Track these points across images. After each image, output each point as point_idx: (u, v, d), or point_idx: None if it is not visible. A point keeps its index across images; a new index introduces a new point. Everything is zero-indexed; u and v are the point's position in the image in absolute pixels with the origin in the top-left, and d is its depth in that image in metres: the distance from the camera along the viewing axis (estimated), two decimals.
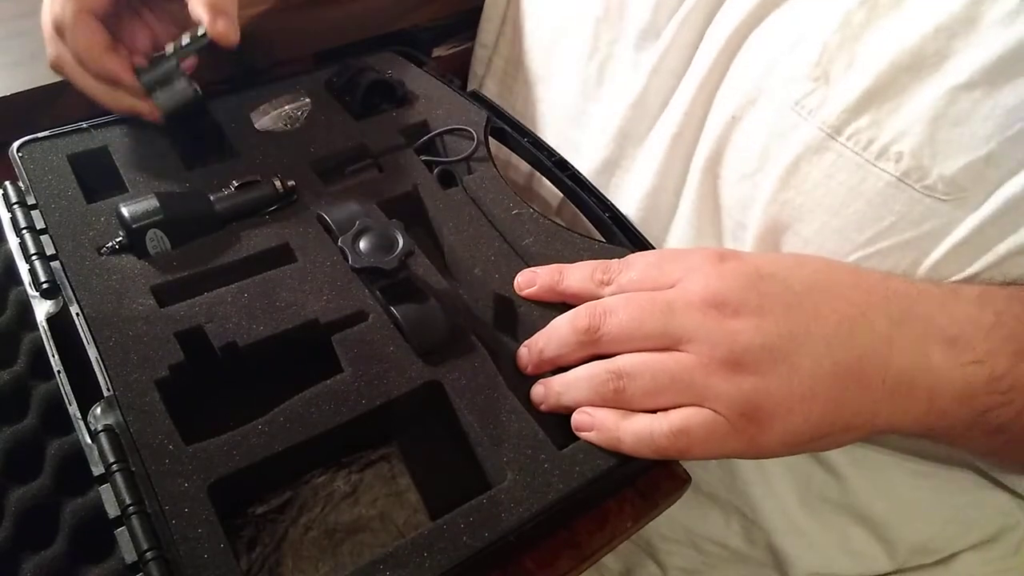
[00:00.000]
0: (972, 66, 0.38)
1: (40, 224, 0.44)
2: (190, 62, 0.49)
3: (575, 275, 0.42)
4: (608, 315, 0.38)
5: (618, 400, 0.36)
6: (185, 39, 0.47)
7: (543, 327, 0.42)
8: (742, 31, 0.46)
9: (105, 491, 0.33)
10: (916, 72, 0.39)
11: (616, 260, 0.41)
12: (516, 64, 0.64)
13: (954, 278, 0.40)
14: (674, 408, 0.35)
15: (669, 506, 0.41)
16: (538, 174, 0.55)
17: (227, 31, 0.45)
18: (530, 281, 0.43)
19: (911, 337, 0.35)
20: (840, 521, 0.51)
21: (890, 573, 0.52)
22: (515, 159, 0.58)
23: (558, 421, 0.41)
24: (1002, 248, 0.38)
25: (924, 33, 0.39)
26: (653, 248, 0.47)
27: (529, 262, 0.45)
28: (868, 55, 0.40)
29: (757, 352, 0.34)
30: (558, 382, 0.39)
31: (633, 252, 0.46)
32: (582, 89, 0.57)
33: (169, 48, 0.47)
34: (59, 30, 0.45)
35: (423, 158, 0.52)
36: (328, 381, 0.38)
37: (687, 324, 0.35)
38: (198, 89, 0.48)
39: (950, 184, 0.38)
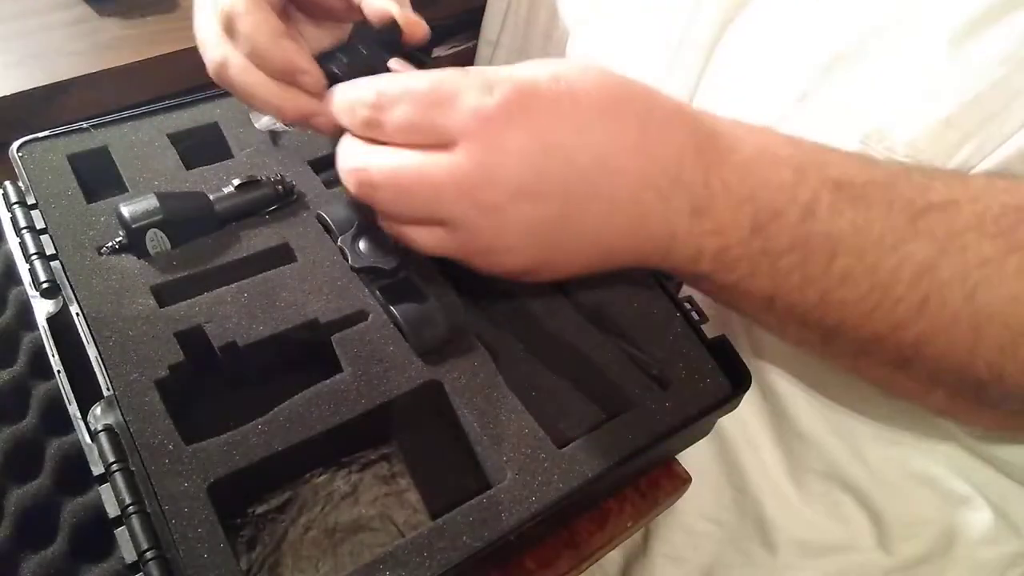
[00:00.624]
0: (935, 29, 0.38)
1: (40, 224, 0.44)
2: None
3: (343, 97, 0.36)
4: (374, 191, 0.34)
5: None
6: (372, 29, 0.40)
7: (544, 326, 0.42)
8: (724, 23, 0.47)
9: (105, 491, 0.33)
10: (881, 36, 0.40)
11: (382, 92, 0.34)
12: (520, 55, 0.64)
13: (910, 246, 0.38)
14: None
15: (669, 505, 0.41)
16: None
17: (419, 22, 0.41)
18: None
19: (666, 211, 0.35)
20: (825, 489, 0.51)
21: (890, 571, 0.52)
22: None
23: (558, 420, 0.41)
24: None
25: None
26: None
27: None
28: (835, 21, 0.41)
29: (517, 240, 0.34)
30: None
31: None
32: None
33: (351, 40, 0.41)
34: (229, 23, 0.38)
35: None
36: (328, 381, 0.38)
37: (454, 211, 0.33)
38: None
39: (910, 146, 0.39)
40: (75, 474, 0.36)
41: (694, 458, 0.51)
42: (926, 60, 0.39)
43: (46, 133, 0.49)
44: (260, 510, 0.37)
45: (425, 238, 0.35)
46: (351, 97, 0.35)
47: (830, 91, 0.42)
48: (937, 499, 0.50)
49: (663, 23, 0.51)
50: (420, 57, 0.62)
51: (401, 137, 0.34)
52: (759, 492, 0.52)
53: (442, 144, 0.33)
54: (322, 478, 0.38)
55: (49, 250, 0.42)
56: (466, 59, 0.71)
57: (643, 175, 0.34)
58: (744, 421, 0.51)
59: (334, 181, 0.50)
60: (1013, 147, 0.38)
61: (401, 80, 0.34)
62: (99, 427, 0.34)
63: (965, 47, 0.38)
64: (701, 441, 0.51)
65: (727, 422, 0.51)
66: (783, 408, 0.50)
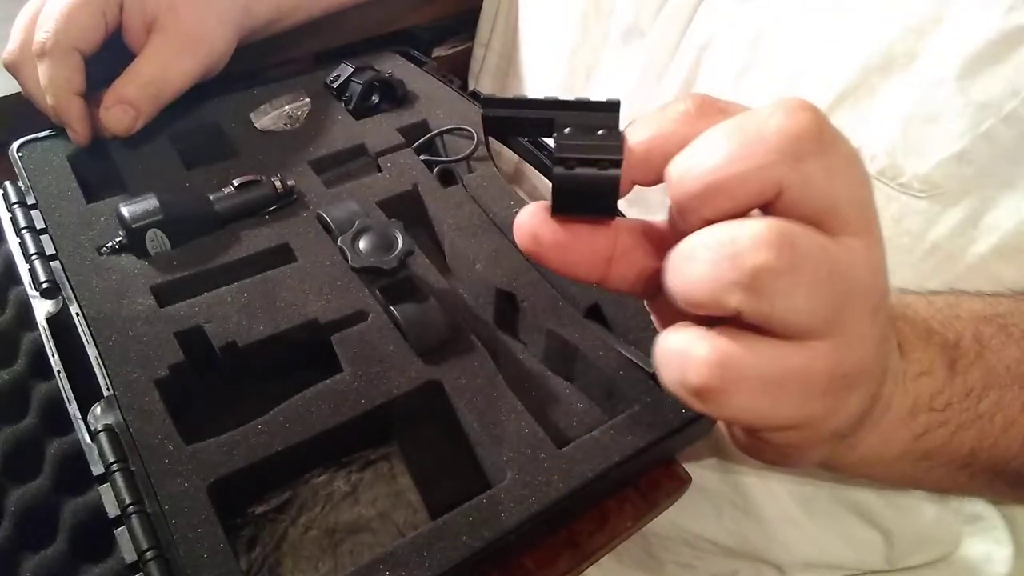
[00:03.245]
0: (942, 63, 0.38)
1: (40, 224, 0.44)
2: None
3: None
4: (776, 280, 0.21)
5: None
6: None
7: (544, 324, 0.42)
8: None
9: (105, 491, 0.33)
10: (886, 72, 0.39)
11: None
12: (508, 59, 0.64)
13: (932, 284, 0.39)
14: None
15: (669, 506, 0.41)
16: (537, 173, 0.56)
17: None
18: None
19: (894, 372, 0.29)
20: (835, 510, 0.51)
21: (888, 571, 0.52)
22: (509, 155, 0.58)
23: (558, 420, 0.41)
24: (983, 247, 0.38)
25: (891, 35, 0.39)
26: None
27: (530, 259, 0.45)
28: (837, 58, 0.41)
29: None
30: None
31: None
32: (571, 84, 0.57)
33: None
34: (39, 53, 0.45)
35: (423, 158, 0.52)
36: (328, 381, 0.38)
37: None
38: None
39: (924, 181, 0.39)
40: (75, 474, 0.36)
41: (698, 477, 0.51)
42: (935, 95, 0.38)
43: (46, 133, 0.49)
44: (260, 510, 0.37)
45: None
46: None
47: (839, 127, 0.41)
48: (948, 515, 0.50)
49: (648, 54, 0.51)
50: (419, 58, 0.62)
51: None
52: (764, 515, 0.52)
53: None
54: (322, 478, 0.38)
55: (49, 250, 0.42)
56: (465, 58, 0.71)
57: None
58: None
59: (334, 181, 0.50)
60: None
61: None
62: (99, 427, 0.34)
63: (974, 80, 0.37)
64: (705, 462, 0.51)
65: (731, 447, 0.50)
66: None
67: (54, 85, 0.46)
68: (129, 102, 0.47)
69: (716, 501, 0.53)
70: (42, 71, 0.46)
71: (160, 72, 0.48)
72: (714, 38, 0.47)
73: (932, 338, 0.31)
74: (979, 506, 0.50)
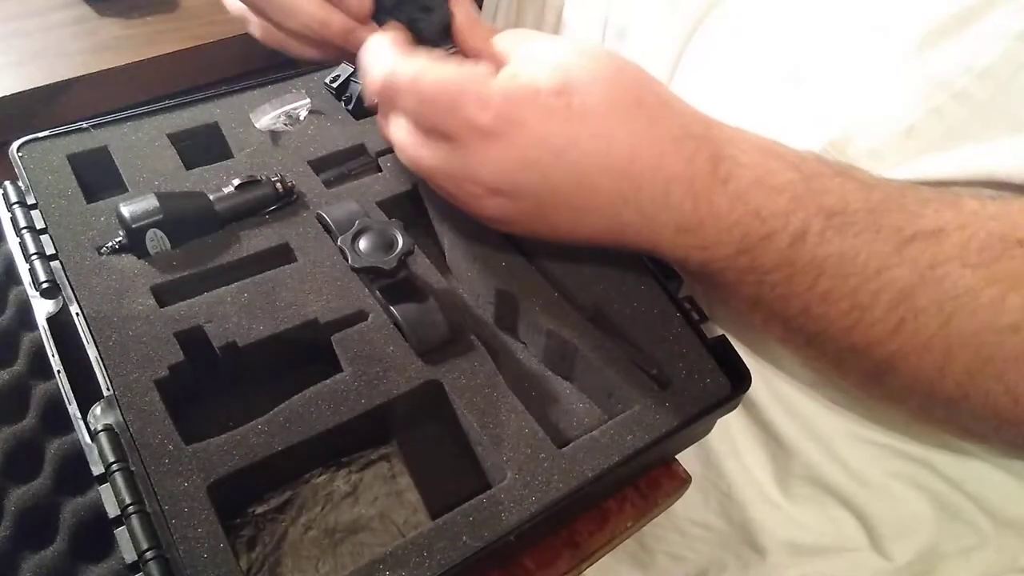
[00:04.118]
0: (902, 39, 0.38)
1: (40, 224, 0.44)
2: None
3: (371, 71, 0.40)
4: (400, 150, 0.40)
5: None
6: None
7: (544, 324, 0.42)
8: (697, 22, 0.47)
9: (105, 491, 0.33)
10: (847, 46, 0.40)
11: (389, 82, 0.38)
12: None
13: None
14: None
15: (669, 506, 0.41)
16: None
17: None
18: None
19: (648, 225, 0.37)
20: (811, 492, 0.51)
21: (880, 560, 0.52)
22: None
23: (558, 420, 0.41)
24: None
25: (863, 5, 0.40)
26: None
27: (530, 259, 0.46)
28: (800, 31, 0.42)
29: (495, 214, 0.39)
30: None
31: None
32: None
33: None
34: None
35: None
36: (328, 381, 0.38)
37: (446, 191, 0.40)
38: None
39: (871, 155, 0.39)
40: (75, 474, 0.36)
41: (681, 463, 0.52)
42: (889, 69, 0.39)
43: (46, 133, 0.49)
44: (260, 510, 0.37)
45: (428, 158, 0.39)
46: (365, 67, 0.41)
47: (794, 99, 0.42)
48: (926, 500, 0.50)
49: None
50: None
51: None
52: (745, 497, 0.52)
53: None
54: (322, 478, 0.38)
55: (49, 250, 0.42)
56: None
57: (620, 195, 0.36)
58: (726, 427, 0.51)
59: (334, 181, 0.50)
60: (978, 167, 0.38)
61: (411, 71, 0.37)
62: (99, 427, 0.34)
63: (928, 56, 0.38)
64: (687, 450, 0.51)
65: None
66: (761, 414, 0.50)
67: None
68: None
69: (701, 486, 0.53)
70: None
71: None
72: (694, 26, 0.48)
73: (731, 231, 0.36)
74: (958, 496, 0.50)
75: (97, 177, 0.48)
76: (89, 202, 0.45)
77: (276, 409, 0.37)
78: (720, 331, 0.43)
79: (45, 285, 0.40)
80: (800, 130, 0.41)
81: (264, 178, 0.47)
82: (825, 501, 0.51)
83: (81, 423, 0.35)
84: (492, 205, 0.38)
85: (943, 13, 0.37)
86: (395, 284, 0.41)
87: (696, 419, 0.39)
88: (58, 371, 0.37)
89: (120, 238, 0.43)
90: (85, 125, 0.50)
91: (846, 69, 0.41)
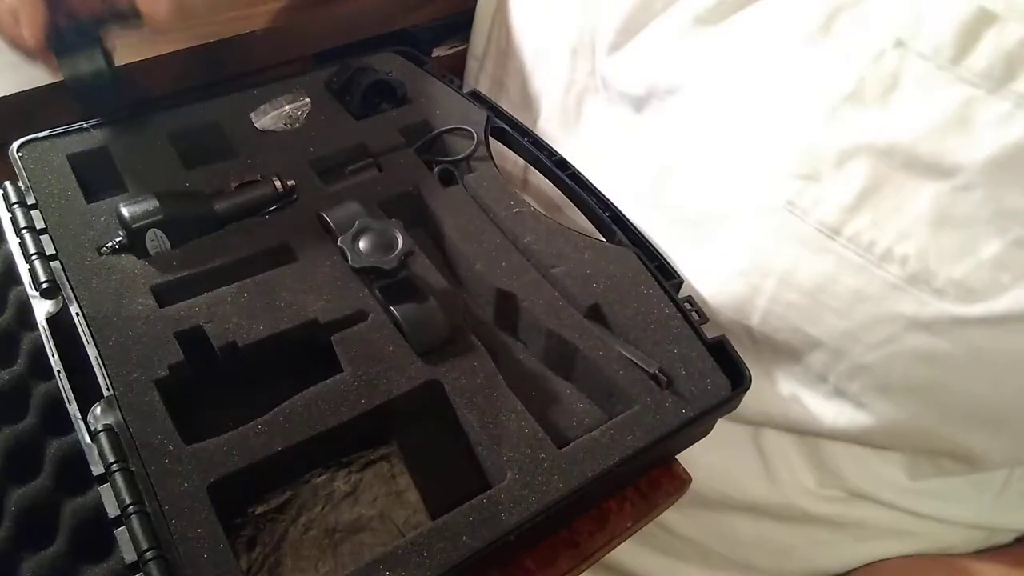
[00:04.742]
0: (970, 167, 0.37)
1: (40, 224, 0.44)
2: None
3: None
4: None
5: None
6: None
7: (544, 324, 0.42)
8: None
9: (105, 491, 0.33)
10: (912, 171, 0.39)
11: None
12: (500, 85, 0.64)
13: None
14: None
15: (669, 506, 0.41)
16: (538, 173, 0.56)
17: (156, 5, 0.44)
18: None
19: None
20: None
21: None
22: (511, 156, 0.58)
23: (558, 420, 0.41)
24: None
25: (917, 132, 0.38)
26: (654, 248, 0.47)
27: (530, 259, 0.45)
28: (859, 153, 0.40)
29: None
30: None
31: (633, 251, 0.46)
32: (562, 120, 0.57)
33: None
34: None
35: (423, 158, 0.52)
36: (328, 381, 0.38)
37: None
38: (111, 64, 0.46)
39: (959, 287, 0.38)
40: (75, 474, 0.36)
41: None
42: (962, 197, 0.37)
43: (46, 133, 0.49)
44: (260, 510, 0.37)
45: None
46: None
47: (858, 226, 0.41)
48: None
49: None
50: (419, 58, 0.62)
51: None
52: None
53: None
54: (322, 478, 0.38)
55: (49, 250, 0.42)
56: (464, 58, 0.71)
57: None
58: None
59: (334, 181, 0.50)
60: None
61: None
62: (99, 427, 0.34)
63: (1002, 186, 0.37)
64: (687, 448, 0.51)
65: None
66: None
67: None
68: None
69: None
70: None
71: None
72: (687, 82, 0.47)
73: None
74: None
75: (97, 177, 0.48)
76: (89, 202, 0.45)
77: (276, 409, 0.37)
78: (720, 331, 0.43)
79: (45, 285, 0.40)
80: (875, 264, 0.40)
81: (264, 178, 0.47)
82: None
83: (81, 423, 0.35)
84: None
85: (1007, 145, 0.36)
86: (395, 284, 0.41)
87: (696, 419, 0.39)
88: (58, 371, 0.37)
89: (120, 238, 0.43)
90: (85, 125, 0.50)
91: (909, 201, 0.39)
